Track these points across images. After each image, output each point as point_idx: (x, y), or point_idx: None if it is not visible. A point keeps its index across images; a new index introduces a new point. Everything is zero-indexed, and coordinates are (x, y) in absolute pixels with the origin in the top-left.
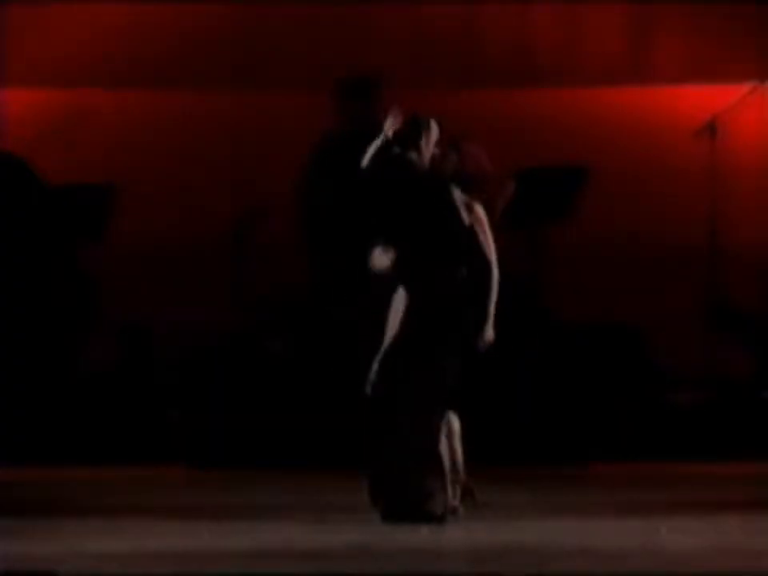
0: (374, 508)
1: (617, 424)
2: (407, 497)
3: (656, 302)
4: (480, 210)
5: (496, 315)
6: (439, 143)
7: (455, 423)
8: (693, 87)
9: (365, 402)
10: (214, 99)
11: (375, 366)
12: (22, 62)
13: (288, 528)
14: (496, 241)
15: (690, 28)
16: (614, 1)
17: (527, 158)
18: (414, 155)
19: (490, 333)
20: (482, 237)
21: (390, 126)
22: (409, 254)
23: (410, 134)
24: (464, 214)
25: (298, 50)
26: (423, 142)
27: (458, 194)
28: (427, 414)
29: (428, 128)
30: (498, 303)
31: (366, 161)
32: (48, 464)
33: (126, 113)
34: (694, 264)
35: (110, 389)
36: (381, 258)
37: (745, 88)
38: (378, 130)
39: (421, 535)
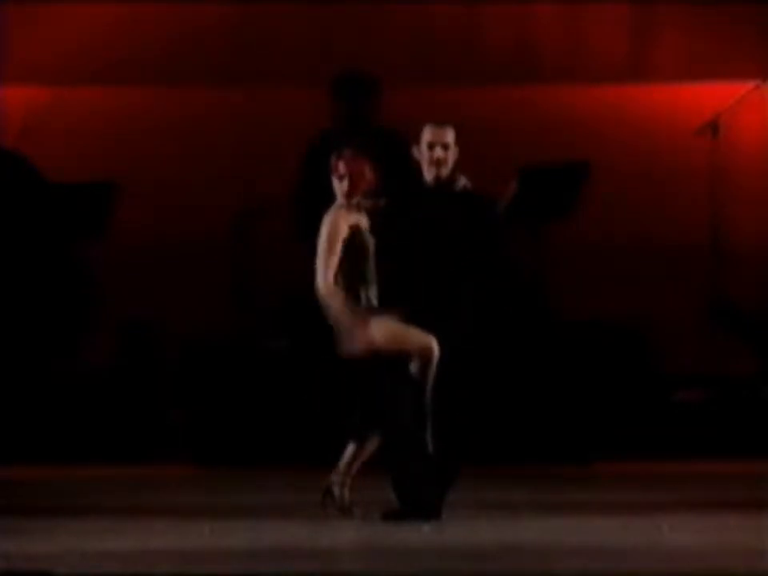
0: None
1: (618, 423)
2: (407, 496)
3: (657, 300)
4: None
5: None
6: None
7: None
8: (694, 86)
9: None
10: (214, 96)
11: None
12: (21, 59)
13: (288, 528)
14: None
15: (691, 26)
16: None
17: (529, 156)
18: None
19: None
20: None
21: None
22: None
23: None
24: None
25: (298, 48)
26: None
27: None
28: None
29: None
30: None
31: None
32: (48, 464)
33: (125, 110)
34: (695, 263)
35: (110, 388)
36: None
37: (746, 87)
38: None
39: (421, 534)
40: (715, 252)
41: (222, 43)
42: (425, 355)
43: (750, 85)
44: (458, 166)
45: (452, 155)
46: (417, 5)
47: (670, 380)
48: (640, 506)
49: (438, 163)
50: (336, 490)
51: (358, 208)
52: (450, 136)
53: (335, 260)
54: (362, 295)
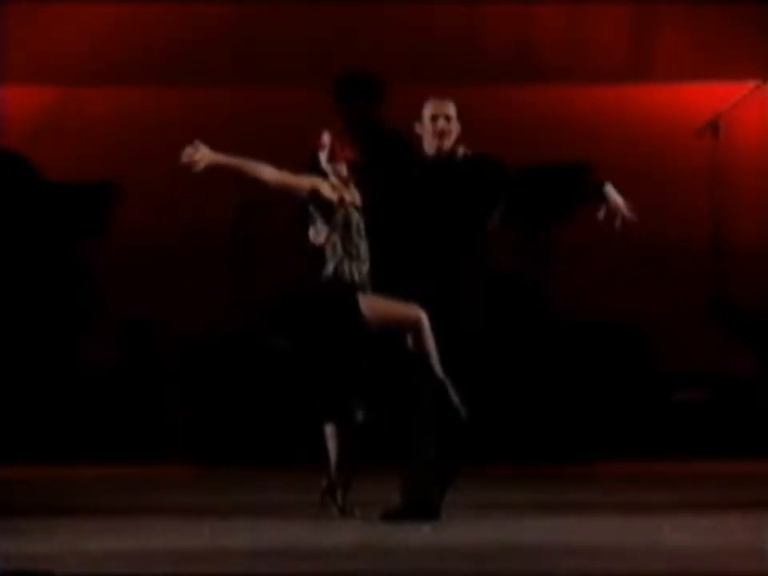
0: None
1: (618, 423)
2: (408, 496)
3: (658, 300)
4: None
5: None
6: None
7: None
8: (695, 86)
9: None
10: (215, 96)
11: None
12: (22, 59)
13: (288, 528)
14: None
15: (692, 27)
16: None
17: (530, 156)
18: None
19: None
20: None
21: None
22: None
23: None
24: None
25: (299, 48)
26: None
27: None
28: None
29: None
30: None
31: None
32: (48, 464)
33: (125, 110)
34: (695, 262)
35: (111, 387)
36: (317, 235)
37: (747, 87)
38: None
39: (421, 535)
40: (715, 252)
41: (222, 43)
42: (414, 325)
43: (751, 85)
44: (460, 140)
45: (454, 128)
46: (417, 5)
47: (670, 380)
48: (640, 506)
49: (441, 134)
50: (338, 491)
51: (345, 182)
52: (451, 108)
53: (288, 174)
54: (348, 270)
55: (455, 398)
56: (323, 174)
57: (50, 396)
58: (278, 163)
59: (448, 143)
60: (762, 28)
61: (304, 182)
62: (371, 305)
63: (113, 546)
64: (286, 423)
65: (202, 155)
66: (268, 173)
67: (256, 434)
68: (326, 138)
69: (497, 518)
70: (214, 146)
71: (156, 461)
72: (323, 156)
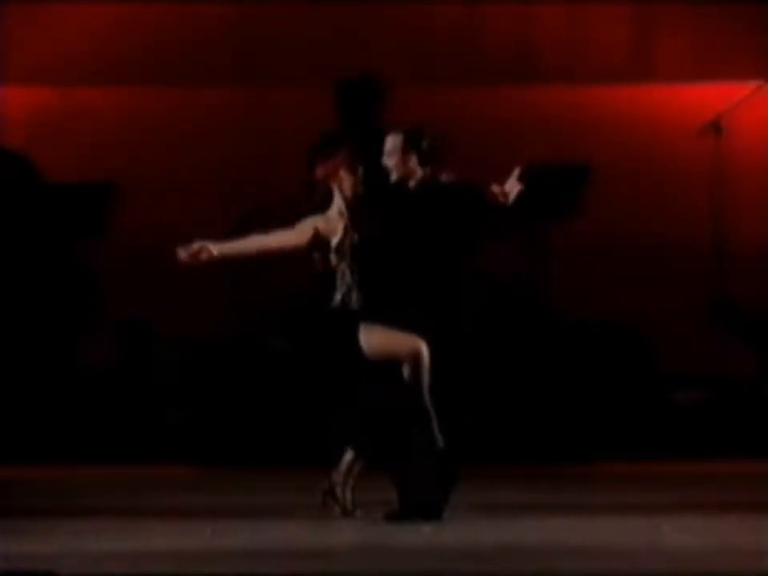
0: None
1: (618, 423)
2: (408, 497)
3: (658, 300)
4: None
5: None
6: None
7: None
8: (697, 86)
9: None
10: (214, 97)
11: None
12: (22, 59)
13: (288, 528)
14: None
15: (694, 27)
16: None
17: (529, 156)
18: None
19: None
20: None
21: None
22: None
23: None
24: None
25: (299, 48)
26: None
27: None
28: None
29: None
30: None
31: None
32: (48, 464)
33: (125, 110)
34: (696, 262)
35: (110, 388)
36: (324, 262)
37: (749, 87)
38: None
39: (422, 535)
40: (716, 252)
41: (222, 43)
42: (415, 359)
43: (752, 85)
44: (446, 165)
45: (394, 161)
46: (417, 5)
47: (669, 380)
48: (640, 506)
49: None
50: (338, 491)
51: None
52: (389, 142)
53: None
54: (356, 299)
55: (436, 430)
56: (328, 202)
57: (49, 396)
58: (278, 164)
59: (394, 177)
60: (762, 28)
61: (305, 232)
62: (372, 339)
63: (113, 546)
64: (286, 423)
65: (204, 251)
66: (273, 242)
67: (256, 434)
68: (318, 172)
69: (497, 518)
70: (215, 146)
71: (156, 461)
72: (335, 186)
